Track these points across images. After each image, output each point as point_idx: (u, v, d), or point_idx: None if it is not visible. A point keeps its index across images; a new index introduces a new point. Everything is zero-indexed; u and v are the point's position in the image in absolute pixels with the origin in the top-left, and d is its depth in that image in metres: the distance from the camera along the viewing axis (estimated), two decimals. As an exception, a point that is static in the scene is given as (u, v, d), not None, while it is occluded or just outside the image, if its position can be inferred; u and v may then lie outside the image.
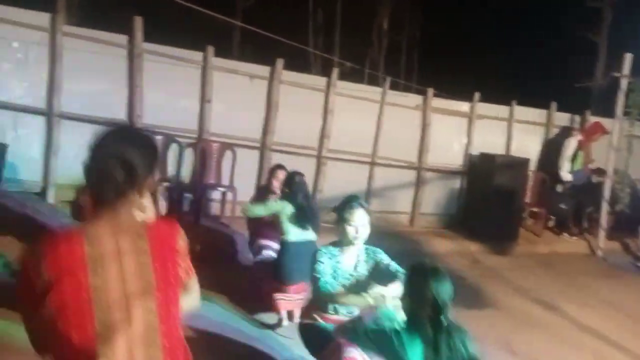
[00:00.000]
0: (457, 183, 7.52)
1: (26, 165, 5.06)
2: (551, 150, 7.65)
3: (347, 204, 2.59)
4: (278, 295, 3.55)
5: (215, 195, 5.83)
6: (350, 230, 2.53)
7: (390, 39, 15.15)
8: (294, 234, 3.58)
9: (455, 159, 7.49)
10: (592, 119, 8.13)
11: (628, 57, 6.58)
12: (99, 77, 5.37)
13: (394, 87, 7.33)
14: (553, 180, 7.23)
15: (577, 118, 8.26)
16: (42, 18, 5.00)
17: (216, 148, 5.77)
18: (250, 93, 6.07)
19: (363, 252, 2.64)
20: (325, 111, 6.44)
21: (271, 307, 3.72)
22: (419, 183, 7.20)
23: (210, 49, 5.73)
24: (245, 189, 5.91)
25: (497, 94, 7.69)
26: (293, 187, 3.68)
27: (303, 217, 3.58)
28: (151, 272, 1.26)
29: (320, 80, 6.47)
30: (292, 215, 3.58)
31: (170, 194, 5.58)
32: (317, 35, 14.95)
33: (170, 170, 5.59)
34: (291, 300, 3.59)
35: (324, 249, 2.61)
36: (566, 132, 7.74)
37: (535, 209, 7.42)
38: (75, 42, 5.12)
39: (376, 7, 14.22)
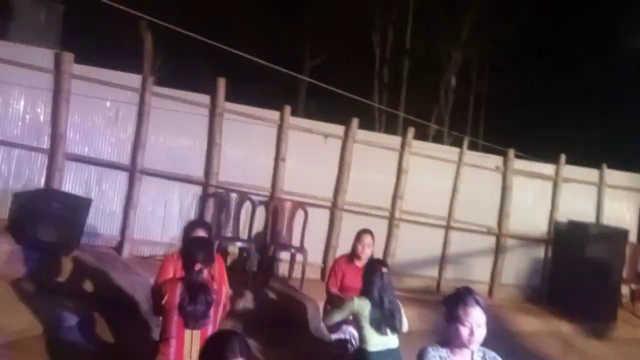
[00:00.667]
0: (541, 252, 6.89)
1: (106, 220, 5.17)
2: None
3: (460, 299, 2.20)
4: None
5: (284, 255, 5.65)
6: (463, 331, 2.15)
7: (458, 95, 14.94)
8: (375, 342, 3.16)
9: (538, 225, 6.90)
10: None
11: None
12: (180, 134, 5.50)
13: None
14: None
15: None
16: (134, 79, 5.26)
17: (288, 207, 5.65)
18: (324, 151, 5.99)
19: (477, 354, 2.26)
20: (399, 171, 6.20)
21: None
22: (498, 250, 6.67)
23: (287, 109, 5.76)
24: (315, 249, 5.74)
25: (578, 156, 7.14)
26: (371, 277, 3.27)
27: (382, 318, 3.16)
28: None
29: (395, 140, 6.30)
30: (371, 315, 3.16)
31: (241, 253, 5.47)
32: (383, 92, 15.08)
33: (242, 229, 5.52)
34: None
35: (432, 350, 2.22)
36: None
37: (634, 286, 6.60)
38: (161, 101, 5.32)
39: (444, 63, 14.15)
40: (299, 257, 5.51)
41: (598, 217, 7.04)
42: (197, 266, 2.58)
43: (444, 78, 14.03)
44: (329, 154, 6.01)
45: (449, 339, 2.23)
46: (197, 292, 2.52)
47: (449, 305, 2.22)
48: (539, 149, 7.31)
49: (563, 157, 6.87)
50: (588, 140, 9.96)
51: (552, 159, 7.00)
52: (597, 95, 11.84)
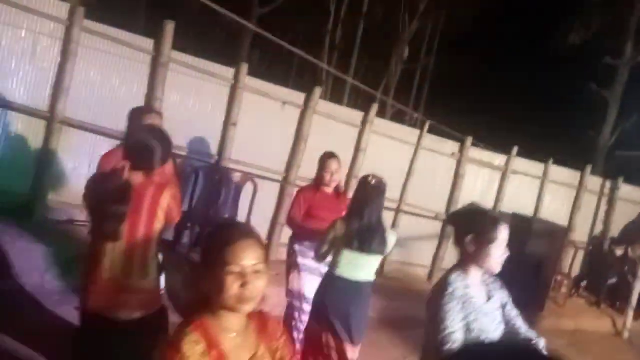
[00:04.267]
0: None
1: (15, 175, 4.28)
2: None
3: (491, 219, 1.97)
4: None
5: (227, 230, 5.12)
6: (498, 253, 1.93)
7: (405, 68, 14.70)
8: (344, 266, 2.85)
9: (482, 213, 6.94)
10: (624, 187, 7.77)
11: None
12: (113, 82, 4.64)
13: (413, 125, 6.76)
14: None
15: (608, 183, 7.85)
16: (60, 8, 4.28)
17: (236, 178, 5.08)
18: (280, 120, 5.42)
19: (485, 276, 2.04)
20: (357, 149, 5.83)
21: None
22: (443, 236, 6.62)
23: (244, 67, 5.07)
24: (261, 225, 5.26)
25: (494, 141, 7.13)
26: (357, 189, 2.94)
27: (358, 235, 2.80)
28: None
29: (356, 115, 5.87)
30: (347, 231, 2.82)
31: (177, 226, 4.85)
32: (333, 54, 14.46)
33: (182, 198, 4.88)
34: None
35: (455, 279, 1.93)
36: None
37: (559, 277, 6.94)
38: (92, 39, 4.41)
39: (398, 32, 13.73)
40: (243, 234, 5.03)
41: (537, 210, 7.22)
42: (121, 164, 2.09)
43: (397, 47, 13.66)
44: (285, 123, 5.46)
45: (471, 262, 1.97)
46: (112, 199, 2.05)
47: (483, 226, 1.95)
48: (483, 136, 7.22)
49: (515, 149, 6.87)
50: (529, 133, 10.22)
51: (503, 149, 6.99)
52: (538, 89, 12.17)
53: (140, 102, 4.72)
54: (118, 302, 2.12)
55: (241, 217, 5.10)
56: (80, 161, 4.59)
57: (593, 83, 11.54)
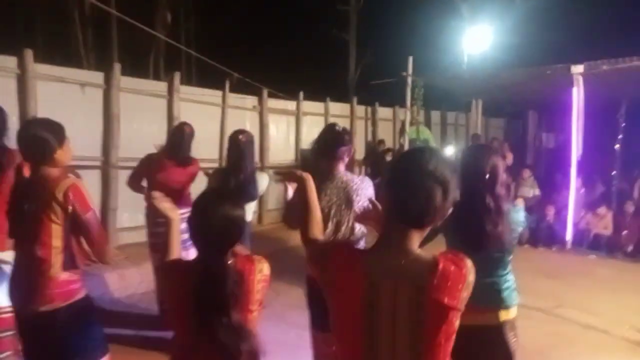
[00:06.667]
0: (292, 177, 8.04)
1: None
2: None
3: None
4: None
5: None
6: None
7: (173, 35, 14.37)
8: None
9: (289, 154, 7.98)
10: (380, 109, 9.85)
11: (410, 60, 8.17)
12: None
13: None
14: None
15: (370, 109, 9.81)
16: None
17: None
18: (83, 103, 5.15)
19: None
20: (170, 118, 5.98)
21: None
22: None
23: (29, 53, 4.59)
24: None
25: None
26: (229, 147, 3.29)
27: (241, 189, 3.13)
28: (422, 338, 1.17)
29: (161, 86, 5.94)
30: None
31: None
32: (86, 26, 13.09)
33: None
34: None
35: None
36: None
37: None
38: None
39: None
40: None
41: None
42: None
43: (159, 14, 13.27)
44: (89, 106, 5.21)
45: None
46: None
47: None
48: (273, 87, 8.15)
49: (301, 94, 7.99)
50: (305, 76, 11.68)
51: (292, 96, 8.03)
52: (303, 39, 13.77)
53: None
54: None
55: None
56: None
57: (335, 28, 13.79)
